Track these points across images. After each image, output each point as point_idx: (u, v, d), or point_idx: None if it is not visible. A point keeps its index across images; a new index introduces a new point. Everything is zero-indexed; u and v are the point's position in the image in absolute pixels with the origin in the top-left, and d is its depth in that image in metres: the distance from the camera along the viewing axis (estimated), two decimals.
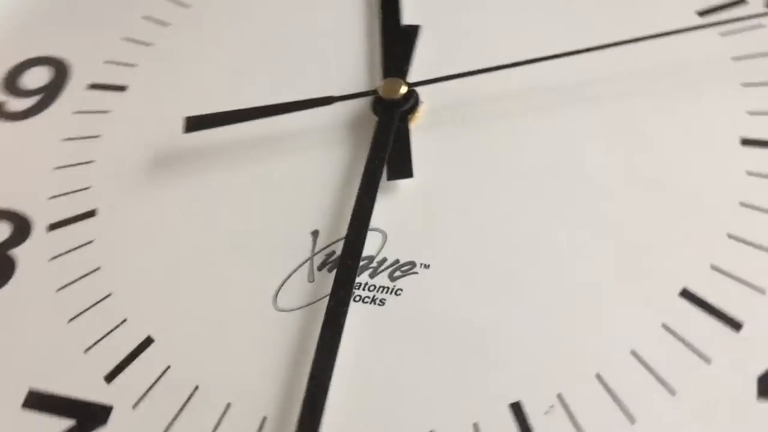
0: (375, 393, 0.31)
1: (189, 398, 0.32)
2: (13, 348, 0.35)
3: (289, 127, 0.39)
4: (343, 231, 0.35)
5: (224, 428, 0.31)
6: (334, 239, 0.35)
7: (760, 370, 0.29)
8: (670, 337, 0.30)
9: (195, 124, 0.39)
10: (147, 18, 0.47)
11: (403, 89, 0.37)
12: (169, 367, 0.33)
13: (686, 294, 0.31)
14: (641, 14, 0.40)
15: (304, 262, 0.35)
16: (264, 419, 0.31)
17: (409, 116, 0.38)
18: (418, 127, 0.38)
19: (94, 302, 0.35)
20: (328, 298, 0.33)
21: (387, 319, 0.32)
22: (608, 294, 0.31)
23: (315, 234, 0.36)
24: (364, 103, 0.39)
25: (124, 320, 0.35)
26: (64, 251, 0.38)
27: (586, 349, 0.30)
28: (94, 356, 0.34)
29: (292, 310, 0.33)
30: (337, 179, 0.37)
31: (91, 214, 0.39)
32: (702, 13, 0.39)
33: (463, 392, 0.30)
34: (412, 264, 0.34)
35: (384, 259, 0.34)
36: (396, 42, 0.41)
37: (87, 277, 0.36)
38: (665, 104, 0.37)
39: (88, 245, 0.38)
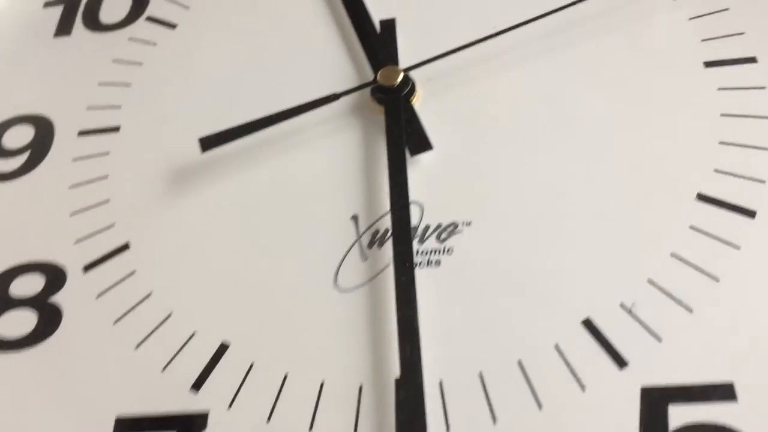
0: (459, 338, 0.33)
1: (282, 386, 0.33)
2: (87, 385, 0.35)
3: (294, 127, 0.42)
4: (379, 210, 0.38)
5: (325, 403, 0.33)
6: (375, 219, 0.38)
7: None
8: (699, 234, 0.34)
9: (210, 142, 0.40)
10: (117, 61, 0.48)
11: (401, 75, 0.41)
12: (252, 364, 0.34)
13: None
14: None
15: (352, 245, 0.37)
16: (360, 387, 0.33)
17: (410, 98, 0.41)
18: (420, 106, 0.41)
19: (157, 324, 0.36)
20: (385, 270, 0.35)
21: (447, 276, 0.35)
22: (630, 219, 0.35)
23: (355, 218, 0.38)
24: (362, 94, 0.42)
25: (194, 333, 0.36)
26: (108, 286, 0.38)
27: (631, 261, 0.34)
28: (174, 372, 0.35)
29: (356, 288, 0.36)
30: (357, 165, 0.40)
31: (124, 247, 0.39)
32: None
33: (535, 321, 0.33)
34: (455, 224, 0.37)
35: (427, 227, 0.37)
36: (376, 36, 0.44)
37: (141, 304, 0.37)
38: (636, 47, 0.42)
39: (131, 276, 0.38)
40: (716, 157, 0.37)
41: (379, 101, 0.41)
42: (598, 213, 0.36)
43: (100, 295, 0.38)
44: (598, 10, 0.43)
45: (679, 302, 0.32)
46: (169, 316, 0.36)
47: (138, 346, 0.36)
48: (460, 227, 0.36)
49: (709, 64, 0.40)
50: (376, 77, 0.41)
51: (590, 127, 0.39)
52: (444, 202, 0.37)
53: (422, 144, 0.39)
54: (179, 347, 0.35)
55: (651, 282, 0.33)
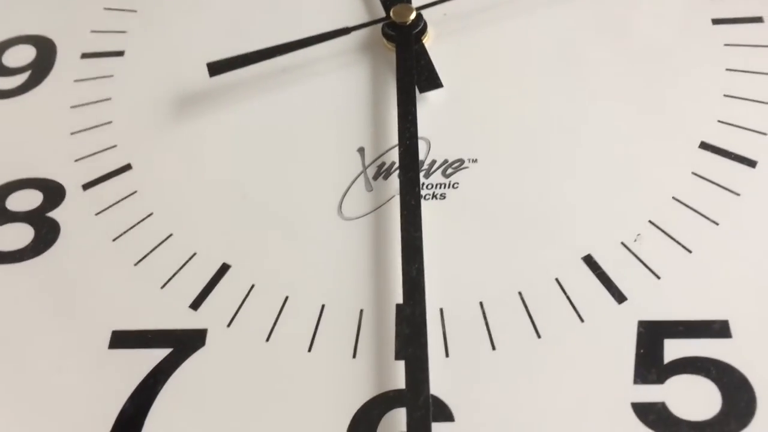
0: (461, 267, 0.33)
1: (282, 308, 0.33)
2: (85, 297, 0.35)
3: (304, 59, 0.41)
4: (386, 144, 0.38)
5: (325, 326, 0.33)
6: (381, 152, 0.38)
7: None
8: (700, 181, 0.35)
9: (219, 67, 0.40)
10: None
11: (413, 13, 0.40)
12: (253, 286, 0.34)
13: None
14: None
15: (358, 176, 0.37)
16: (361, 312, 0.33)
17: (422, 37, 0.41)
18: (431, 45, 0.41)
19: (157, 244, 0.36)
20: (390, 201, 0.35)
21: (452, 209, 0.35)
22: (634, 161, 0.36)
23: (361, 150, 0.38)
24: (373, 31, 0.42)
25: (194, 254, 0.35)
26: (108, 205, 0.38)
27: (633, 201, 0.34)
28: (173, 290, 0.34)
29: (360, 216, 0.36)
30: (365, 100, 0.40)
31: (126, 168, 0.39)
32: None
33: (536, 255, 0.33)
34: (461, 161, 0.37)
35: (433, 161, 0.37)
36: None
37: (142, 223, 0.37)
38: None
39: (132, 196, 0.38)
40: (720, 109, 0.37)
41: (391, 38, 0.41)
42: (603, 155, 0.36)
43: (99, 212, 0.37)
44: None
45: (678, 243, 0.33)
46: (169, 236, 0.36)
47: (137, 263, 0.36)
48: (466, 163, 0.37)
49: (716, 21, 0.40)
50: (389, 14, 0.41)
51: (598, 72, 0.39)
52: (451, 139, 0.38)
53: (432, 81, 0.39)
54: (179, 266, 0.35)
55: (652, 223, 0.34)
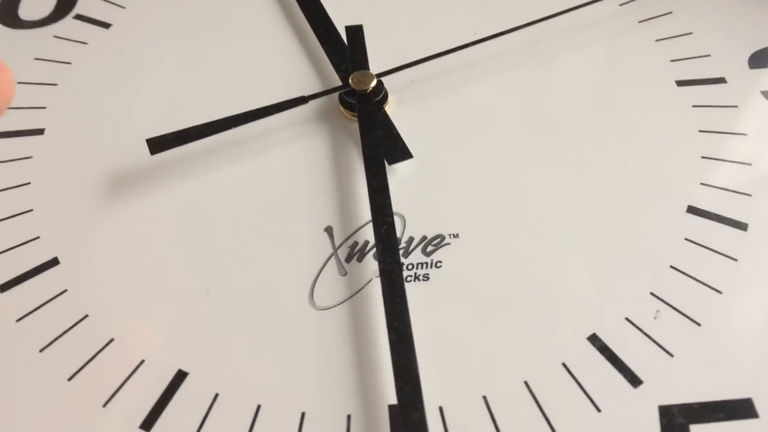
0: (457, 359, 0.30)
1: (255, 418, 0.28)
2: (5, 425, 0.28)
3: (254, 133, 0.38)
4: (356, 222, 0.34)
5: None
6: (352, 230, 0.34)
7: None
8: (695, 247, 0.33)
9: (160, 144, 0.35)
10: (41, 59, 0.42)
11: (374, 80, 0.38)
12: (217, 395, 0.29)
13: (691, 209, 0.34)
14: None
15: (328, 258, 0.33)
16: (349, 417, 0.28)
17: (383, 104, 0.38)
18: (392, 112, 0.38)
19: (95, 352, 0.31)
20: (368, 285, 0.32)
21: (438, 291, 0.32)
22: (625, 224, 0.34)
23: (329, 230, 0.34)
24: (329, 102, 0.39)
25: (142, 362, 0.30)
26: (34, 307, 0.32)
27: (630, 273, 0.32)
28: (118, 408, 0.29)
29: (335, 305, 0.31)
30: (328, 173, 0.36)
31: (53, 262, 0.33)
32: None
33: (538, 338, 0.30)
34: (441, 236, 0.33)
35: (411, 239, 0.33)
36: (342, 41, 0.41)
37: (75, 328, 0.31)
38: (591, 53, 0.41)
39: (62, 295, 0.32)
40: (701, 171, 0.36)
41: (350, 107, 0.38)
42: (592, 224, 0.34)
43: (21, 318, 0.32)
44: (571, 26, 0.42)
45: (685, 315, 0.31)
46: (110, 341, 0.31)
47: (71, 377, 0.30)
48: (447, 239, 0.33)
49: (681, 83, 0.40)
50: (348, 82, 0.38)
51: (573, 137, 0.37)
52: (427, 214, 0.34)
53: (402, 152, 0.36)
54: (125, 378, 0.30)
55: (654, 295, 0.31)
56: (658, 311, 0.30)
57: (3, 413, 0.29)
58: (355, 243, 0.33)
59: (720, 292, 0.31)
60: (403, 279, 0.30)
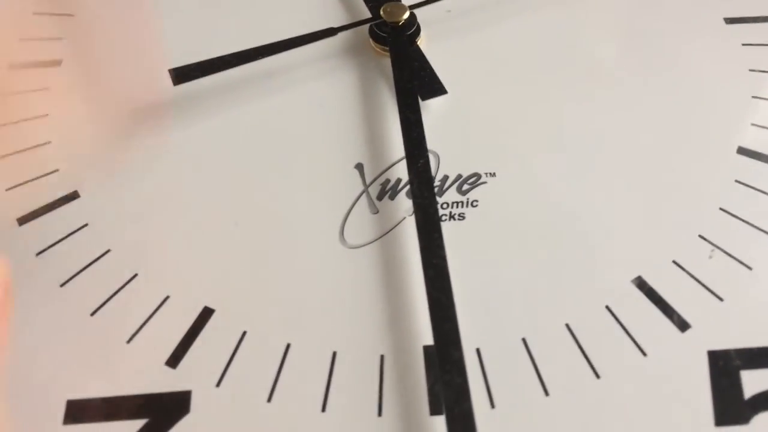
0: (495, 301, 0.28)
1: (283, 359, 0.27)
2: (27, 359, 0.27)
3: (283, 66, 0.36)
4: (387, 159, 0.33)
5: (340, 378, 0.27)
6: (383, 167, 0.32)
7: None
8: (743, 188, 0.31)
9: (185, 73, 0.34)
10: None
11: (407, 12, 0.36)
12: (245, 333, 0.28)
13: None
14: None
15: (359, 196, 0.31)
16: (382, 358, 0.27)
17: (416, 38, 0.36)
18: (425, 47, 0.36)
19: (119, 287, 0.29)
20: (402, 223, 0.30)
21: (474, 231, 0.30)
22: (672, 165, 0.32)
23: (359, 167, 0.32)
24: (359, 34, 0.37)
25: (167, 297, 0.29)
26: (54, 241, 0.31)
27: (678, 215, 0.30)
28: (143, 344, 0.28)
29: (367, 243, 0.30)
30: (358, 108, 0.34)
31: (73, 196, 0.32)
32: None
33: (580, 281, 0.29)
34: (477, 175, 0.32)
35: (446, 177, 0.32)
36: None
37: (97, 262, 0.30)
38: None
39: (82, 229, 0.31)
40: (751, 112, 0.34)
41: (380, 40, 0.36)
42: (636, 164, 0.32)
43: (41, 252, 0.30)
44: None
45: (735, 258, 0.29)
46: (134, 277, 0.30)
47: (94, 312, 0.29)
48: (483, 178, 0.32)
49: (730, 21, 0.37)
50: (378, 13, 0.36)
51: (612, 75, 0.35)
52: (462, 151, 0.33)
53: (436, 88, 0.34)
54: (149, 314, 0.29)
55: (703, 237, 0.30)
56: (713, 250, 0.29)
57: (24, 348, 0.27)
58: (387, 180, 0.32)
59: None
60: (439, 215, 0.29)
